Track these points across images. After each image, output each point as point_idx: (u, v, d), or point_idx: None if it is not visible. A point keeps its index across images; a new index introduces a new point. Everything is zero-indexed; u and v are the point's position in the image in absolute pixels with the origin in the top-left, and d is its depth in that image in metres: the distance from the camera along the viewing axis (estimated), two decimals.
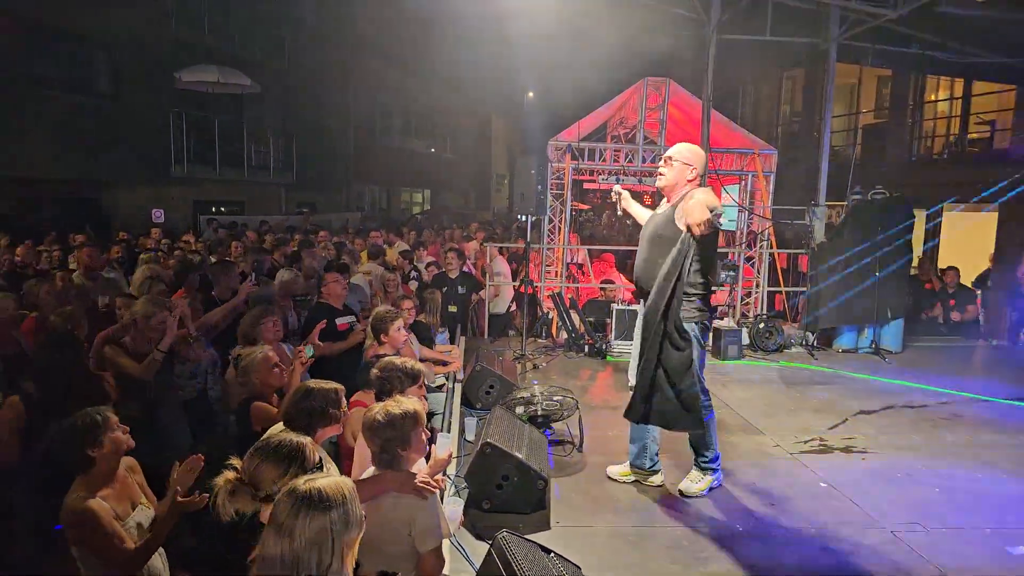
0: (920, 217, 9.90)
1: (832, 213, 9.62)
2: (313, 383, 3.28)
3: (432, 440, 3.17)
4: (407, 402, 2.88)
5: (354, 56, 23.60)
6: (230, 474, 2.48)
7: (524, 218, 12.85)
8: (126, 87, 15.33)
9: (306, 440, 2.62)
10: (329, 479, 1.99)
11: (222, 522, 2.43)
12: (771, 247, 9.91)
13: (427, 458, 3.09)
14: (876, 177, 10.08)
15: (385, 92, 26.33)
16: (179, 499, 2.79)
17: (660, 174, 4.42)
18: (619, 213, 4.93)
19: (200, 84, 16.98)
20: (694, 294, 4.30)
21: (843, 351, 8.65)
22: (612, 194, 4.81)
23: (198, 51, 17.09)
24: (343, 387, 3.36)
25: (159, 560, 3.02)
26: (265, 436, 2.63)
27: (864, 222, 8.35)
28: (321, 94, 21.98)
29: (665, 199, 4.45)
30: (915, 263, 9.34)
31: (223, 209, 18.58)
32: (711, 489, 4.56)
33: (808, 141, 14.88)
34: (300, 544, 1.84)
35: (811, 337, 8.71)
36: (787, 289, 10.11)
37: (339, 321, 5.83)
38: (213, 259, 8.62)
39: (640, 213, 4.82)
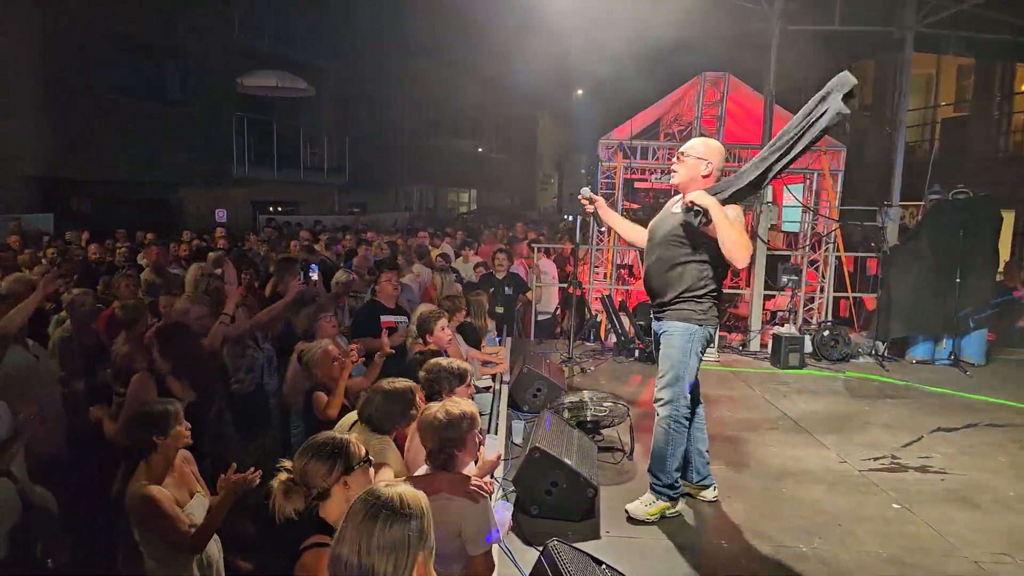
0: (1008, 218, 9.26)
1: (906, 214, 9.05)
2: (388, 384, 3.37)
3: (480, 443, 3.16)
4: (464, 403, 2.88)
5: (405, 58, 23.96)
6: (283, 476, 2.54)
7: (570, 218, 12.67)
8: (193, 93, 16.02)
9: (350, 436, 2.64)
10: (410, 490, 1.93)
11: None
12: (837, 250, 9.41)
13: (475, 460, 3.09)
14: (956, 175, 9.47)
15: (434, 92, 26.60)
16: (233, 477, 2.95)
17: (673, 171, 4.22)
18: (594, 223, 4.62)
19: (260, 89, 17.58)
20: (703, 295, 4.02)
21: (917, 362, 8.14)
22: (580, 198, 4.49)
23: (259, 57, 17.74)
24: (417, 385, 3.49)
25: (215, 547, 3.18)
26: (313, 436, 2.66)
27: (944, 223, 7.83)
28: (373, 96, 22.43)
29: (681, 197, 4.16)
30: (1001, 268, 8.69)
31: (280, 209, 19.07)
32: (663, 517, 4.13)
33: (879, 137, 14.12)
34: (377, 549, 1.79)
35: (881, 346, 8.22)
36: (854, 295, 9.59)
37: (384, 319, 5.77)
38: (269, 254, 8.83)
39: (620, 224, 4.62)
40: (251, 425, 4.85)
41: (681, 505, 4.25)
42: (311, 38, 19.50)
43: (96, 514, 3.80)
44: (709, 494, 4.38)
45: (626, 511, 4.13)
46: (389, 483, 1.96)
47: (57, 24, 12.48)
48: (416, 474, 2.91)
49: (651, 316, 4.30)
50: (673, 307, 4.07)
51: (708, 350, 7.51)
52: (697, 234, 3.94)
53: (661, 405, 4.10)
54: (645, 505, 4.13)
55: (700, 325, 4.01)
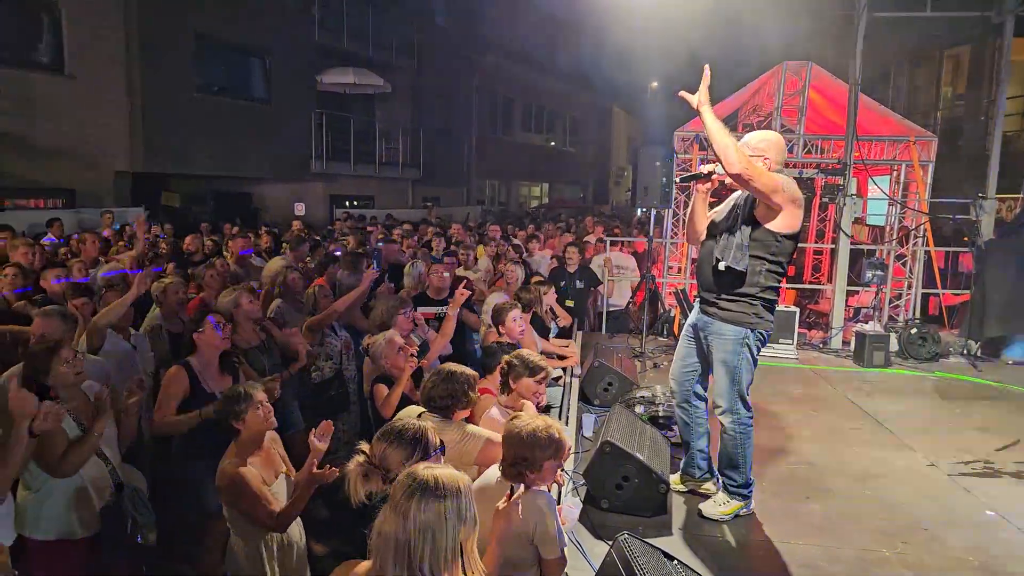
0: None
1: (1002, 207, 8.52)
2: (452, 366, 3.44)
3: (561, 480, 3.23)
4: (557, 428, 2.75)
5: (478, 53, 24.12)
6: (360, 458, 2.58)
7: (643, 211, 12.48)
8: (276, 91, 16.58)
9: (428, 425, 2.69)
10: (448, 470, 2.01)
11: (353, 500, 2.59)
12: (927, 244, 8.96)
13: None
14: None
15: (506, 87, 26.74)
16: (314, 471, 2.99)
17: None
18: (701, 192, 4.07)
19: (338, 85, 18.07)
20: (758, 296, 3.82)
21: (1013, 363, 7.68)
22: (705, 169, 3.95)
23: (337, 55, 18.21)
24: (477, 374, 3.56)
25: (296, 529, 3.28)
26: (392, 421, 2.73)
27: None
28: (447, 91, 22.74)
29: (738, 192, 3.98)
30: None
31: (355, 203, 19.55)
32: (736, 516, 4.01)
33: (973, 127, 13.33)
34: (414, 526, 1.86)
35: (974, 346, 7.79)
36: (945, 291, 9.12)
37: (422, 310, 5.83)
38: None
39: (702, 218, 4.14)
40: (331, 410, 4.98)
41: (760, 501, 4.16)
42: (386, 35, 19.87)
43: (183, 494, 4.00)
44: (711, 487, 4.26)
45: (699, 510, 4.05)
46: (428, 466, 2.03)
47: (149, 24, 13.08)
48: (486, 480, 2.90)
49: (699, 308, 4.11)
50: (724, 306, 3.89)
51: (786, 347, 7.33)
52: (765, 230, 3.75)
53: (720, 413, 3.99)
54: (719, 505, 4.04)
55: (752, 329, 3.83)
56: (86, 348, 4.26)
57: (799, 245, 3.98)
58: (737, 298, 3.83)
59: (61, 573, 3.26)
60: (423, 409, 3.38)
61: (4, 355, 3.97)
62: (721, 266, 3.80)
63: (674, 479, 4.36)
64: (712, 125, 3.53)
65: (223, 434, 3.26)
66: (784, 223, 3.71)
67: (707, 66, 3.60)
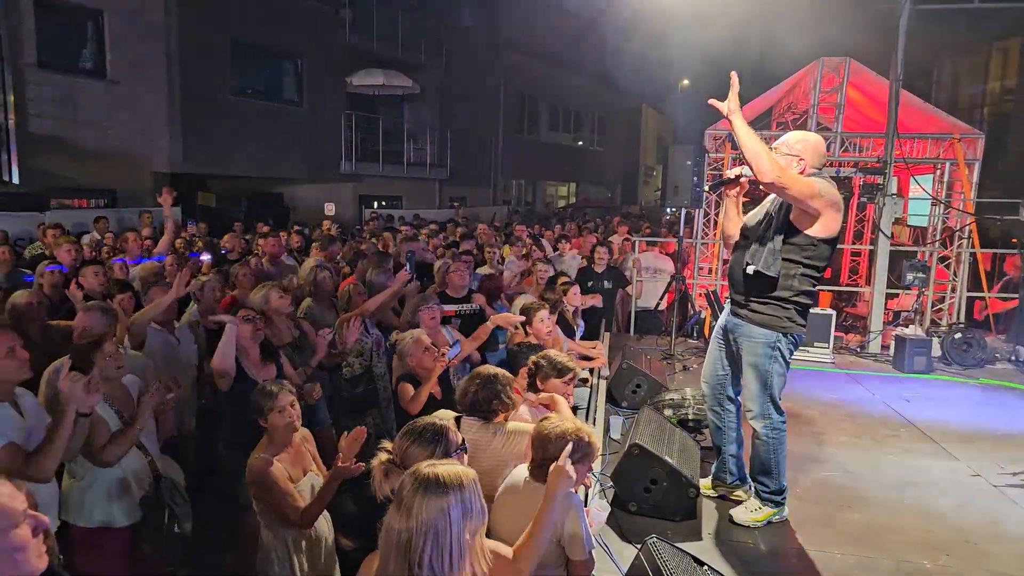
0: None
1: None
2: (491, 369, 3.48)
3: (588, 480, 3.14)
4: (587, 431, 2.77)
5: (505, 52, 24.21)
6: (383, 456, 2.61)
7: (672, 211, 12.30)
8: (308, 93, 16.87)
9: (449, 423, 2.70)
10: (451, 466, 2.01)
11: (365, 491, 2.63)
12: (972, 246, 8.65)
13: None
14: None
15: (533, 86, 26.72)
16: (339, 465, 3.05)
17: None
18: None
19: (368, 87, 18.24)
20: (791, 300, 3.69)
21: None
22: (732, 173, 3.94)
23: (367, 57, 18.47)
24: (512, 376, 3.59)
25: (325, 524, 3.39)
26: (414, 420, 2.74)
27: None
28: (474, 92, 22.84)
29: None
30: None
31: (384, 203, 19.73)
32: (769, 523, 3.89)
33: (1023, 122, 12.85)
34: (416, 524, 1.87)
35: (1022, 352, 7.49)
36: (991, 295, 8.80)
37: (445, 307, 5.78)
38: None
39: (735, 219, 4.03)
40: (359, 407, 5.06)
41: (794, 508, 4.02)
42: (414, 37, 20.05)
43: (219, 487, 4.10)
44: (743, 493, 4.15)
45: (730, 516, 3.94)
46: (431, 463, 2.03)
47: (188, 30, 13.45)
48: (514, 479, 2.89)
49: (730, 310, 4.01)
50: (755, 309, 3.79)
51: (822, 351, 7.13)
52: (799, 233, 3.63)
53: (752, 418, 3.89)
54: (751, 511, 3.93)
55: (784, 333, 3.72)
56: (129, 345, 4.38)
57: (836, 247, 3.83)
58: (769, 301, 3.73)
59: (103, 559, 3.41)
60: (453, 413, 3.33)
61: (52, 349, 4.06)
62: (750, 270, 3.72)
63: (705, 484, 4.26)
64: (743, 133, 3.48)
65: (254, 429, 3.37)
66: (821, 227, 3.61)
67: (734, 73, 3.57)
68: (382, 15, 18.76)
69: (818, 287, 3.77)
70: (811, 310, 3.91)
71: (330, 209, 17.01)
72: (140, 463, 3.51)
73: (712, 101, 3.65)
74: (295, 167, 16.59)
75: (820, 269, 3.70)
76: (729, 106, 3.54)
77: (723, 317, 4.07)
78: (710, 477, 4.29)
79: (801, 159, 3.66)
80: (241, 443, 3.80)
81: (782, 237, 3.66)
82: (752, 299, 3.79)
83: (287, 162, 16.24)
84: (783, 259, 3.66)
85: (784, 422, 3.88)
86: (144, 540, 3.45)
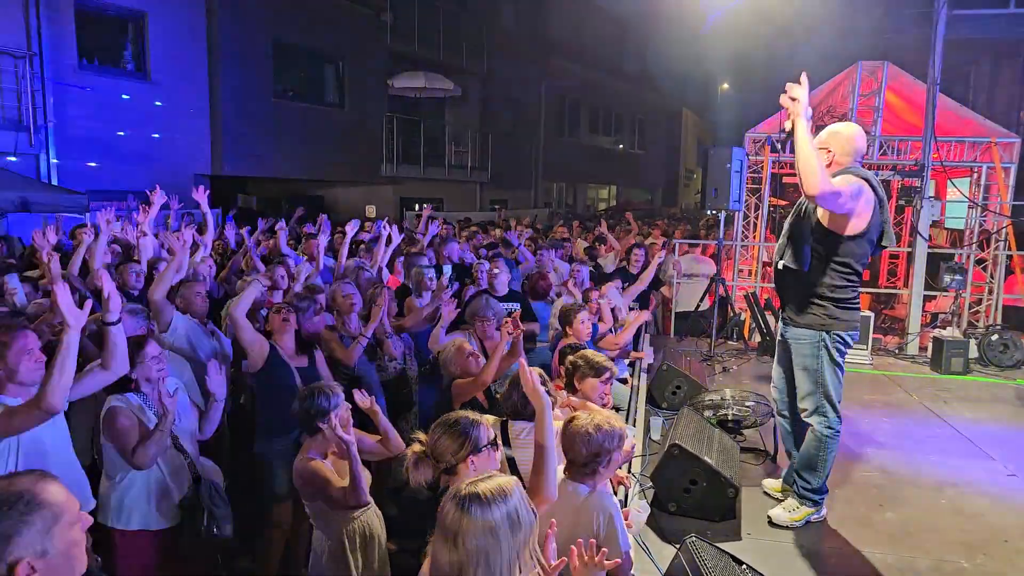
0: None
1: None
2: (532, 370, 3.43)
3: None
4: (614, 419, 2.83)
5: (546, 56, 24.18)
6: (416, 447, 2.66)
7: (712, 213, 12.34)
8: (349, 96, 16.93)
9: (484, 418, 2.71)
10: (492, 480, 1.93)
11: (417, 495, 2.65)
12: (1009, 248, 8.65)
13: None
14: None
15: (574, 89, 26.67)
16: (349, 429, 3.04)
17: None
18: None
19: (409, 90, 18.37)
20: (827, 297, 3.79)
21: None
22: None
23: (408, 60, 18.49)
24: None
25: (377, 521, 3.29)
26: (456, 411, 2.75)
27: None
28: (515, 94, 22.84)
29: None
30: None
31: (425, 206, 19.81)
32: (807, 523, 4.00)
33: None
34: (464, 553, 1.79)
35: None
36: None
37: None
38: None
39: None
40: (395, 409, 5.07)
41: (833, 508, 4.15)
42: (456, 40, 20.08)
43: (256, 473, 4.13)
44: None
45: (768, 517, 4.05)
46: (471, 481, 1.94)
47: (229, 33, 13.52)
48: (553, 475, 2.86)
49: (781, 317, 4.15)
50: (798, 311, 3.92)
51: (860, 353, 7.18)
52: (828, 232, 3.75)
53: (807, 416, 4.01)
54: (789, 511, 4.04)
55: (827, 331, 3.82)
56: (157, 328, 4.36)
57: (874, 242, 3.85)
58: (807, 302, 3.85)
59: (142, 562, 3.36)
60: (494, 418, 3.37)
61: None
62: (780, 265, 3.89)
63: (775, 486, 4.39)
64: (800, 140, 3.39)
65: (305, 429, 3.31)
66: (850, 224, 3.68)
67: (805, 72, 3.41)
68: (423, 18, 18.78)
69: (854, 283, 3.79)
70: (854, 306, 3.88)
71: (371, 211, 17.24)
72: (179, 464, 3.45)
73: (784, 100, 3.43)
74: (336, 169, 16.62)
75: (852, 266, 3.76)
76: (797, 109, 3.39)
77: (780, 330, 4.21)
78: (780, 479, 4.40)
79: (829, 151, 3.73)
80: (285, 428, 3.92)
81: (812, 236, 3.79)
82: (791, 303, 3.94)
83: (328, 164, 16.27)
84: (814, 257, 3.78)
85: (840, 423, 3.98)
86: (183, 543, 3.40)
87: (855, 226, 3.67)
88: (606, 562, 2.46)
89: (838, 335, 3.84)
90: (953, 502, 4.36)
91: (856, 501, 4.36)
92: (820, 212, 3.74)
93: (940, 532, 3.99)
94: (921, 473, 4.78)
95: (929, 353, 7.70)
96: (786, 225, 4.00)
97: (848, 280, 3.78)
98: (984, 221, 8.99)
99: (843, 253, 3.74)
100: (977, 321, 8.68)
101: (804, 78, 3.41)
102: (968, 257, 8.71)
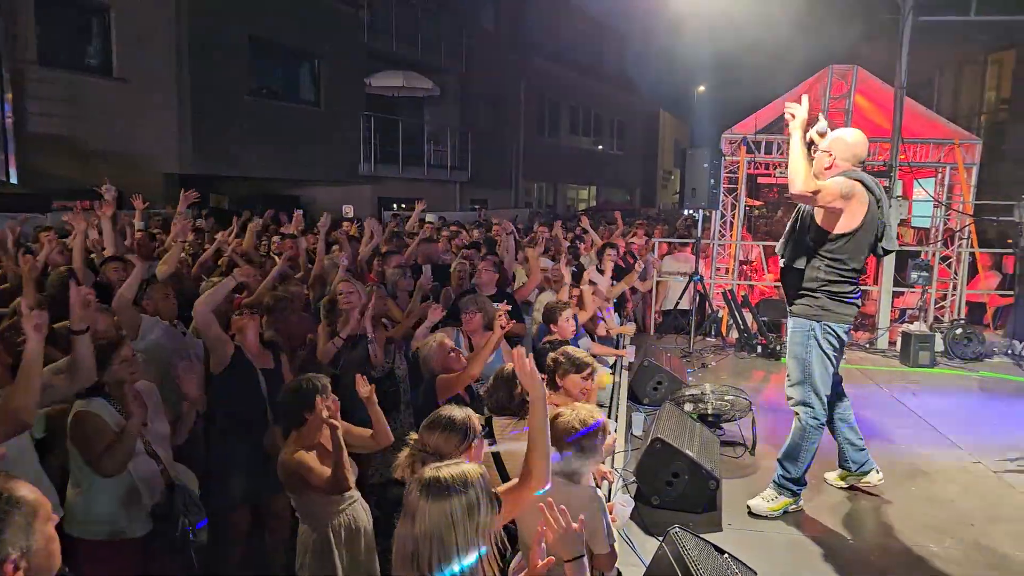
0: None
1: None
2: (510, 367, 3.44)
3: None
4: (597, 413, 2.85)
5: (525, 56, 24.19)
6: (412, 448, 2.66)
7: (689, 212, 12.53)
8: (325, 94, 16.62)
9: (471, 414, 2.72)
10: (456, 467, 2.01)
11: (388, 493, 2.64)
12: (971, 246, 8.98)
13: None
14: None
15: (553, 90, 26.76)
16: (331, 418, 2.98)
17: None
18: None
19: (387, 88, 18.15)
20: (820, 290, 4.05)
21: None
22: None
23: (386, 59, 18.25)
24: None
25: (364, 514, 3.29)
26: (444, 408, 2.76)
27: None
28: (494, 95, 22.78)
29: None
30: None
31: (403, 205, 19.73)
32: (785, 512, 4.18)
33: (1018, 130, 13.19)
34: (420, 531, 1.89)
35: (1018, 345, 7.85)
36: (988, 291, 9.13)
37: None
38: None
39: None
40: (384, 408, 5.06)
41: (809, 498, 4.32)
42: (435, 39, 19.92)
43: (212, 478, 3.93)
44: (873, 478, 4.42)
45: (748, 507, 4.20)
46: (435, 466, 2.02)
47: (199, 27, 13.05)
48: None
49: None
50: (794, 303, 4.18)
51: None
52: (820, 230, 4.00)
53: (793, 405, 4.21)
54: (767, 501, 4.18)
55: (818, 321, 4.04)
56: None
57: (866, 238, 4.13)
58: (803, 294, 4.12)
59: (112, 574, 3.18)
60: (479, 416, 3.32)
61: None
62: (782, 263, 4.21)
63: (834, 476, 4.55)
64: (793, 148, 3.85)
65: (289, 421, 3.29)
66: (840, 223, 3.95)
67: (806, 96, 4.04)
68: (401, 17, 18.57)
69: (848, 278, 4.05)
70: (848, 300, 4.11)
71: (348, 211, 17.10)
72: (151, 470, 3.29)
73: (786, 116, 4.01)
74: (312, 169, 16.30)
75: (846, 261, 4.00)
76: (795, 124, 3.89)
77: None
78: (837, 470, 4.57)
79: (831, 154, 4.05)
80: (230, 432, 3.86)
81: (808, 234, 4.07)
82: (791, 295, 4.22)
83: (304, 164, 15.95)
84: (807, 253, 4.06)
85: (825, 415, 4.19)
86: (156, 552, 3.24)
87: (846, 224, 3.94)
88: (599, 551, 2.58)
89: (829, 326, 4.06)
90: (923, 490, 4.56)
91: (831, 490, 4.54)
92: (816, 211, 4.02)
93: (911, 518, 4.17)
94: (893, 462, 4.95)
95: (898, 347, 7.97)
96: (788, 224, 4.29)
97: (841, 275, 4.03)
98: (948, 220, 9.31)
99: (834, 250, 4.00)
100: (942, 316, 8.99)
101: (805, 99, 3.96)
102: (934, 255, 9.02)
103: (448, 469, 1.98)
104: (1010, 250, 8.70)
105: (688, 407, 5.30)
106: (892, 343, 8.36)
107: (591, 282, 6.16)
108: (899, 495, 4.48)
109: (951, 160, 8.94)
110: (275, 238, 8.83)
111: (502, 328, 4.06)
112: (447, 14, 20.46)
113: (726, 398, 5.42)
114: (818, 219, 4.01)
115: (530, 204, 25.73)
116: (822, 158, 4.05)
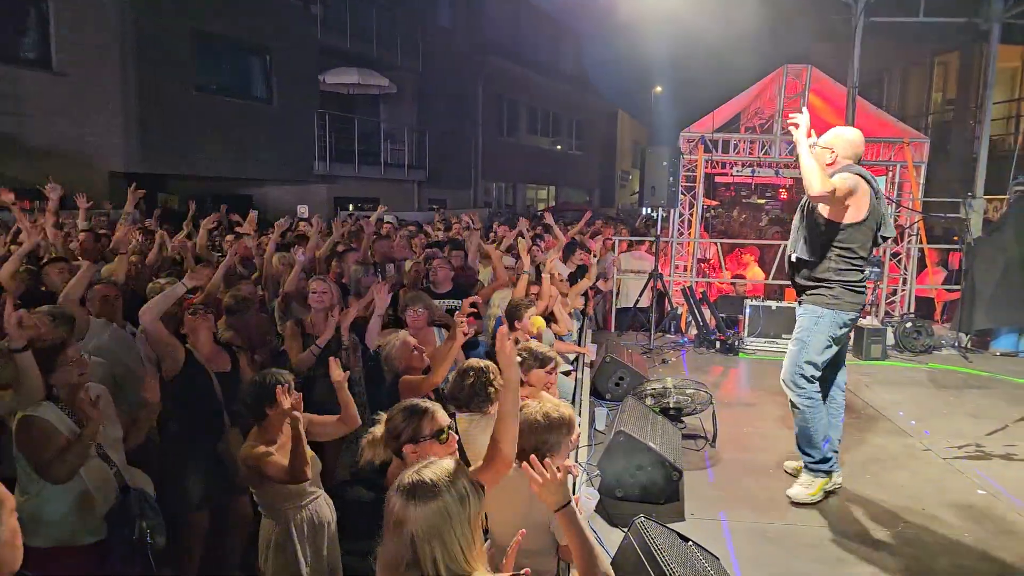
0: None
1: (989, 207, 8.83)
2: (471, 362, 3.50)
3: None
4: (564, 407, 2.84)
5: (483, 55, 24.13)
6: (376, 430, 2.77)
7: (648, 211, 12.67)
8: (278, 90, 16.25)
9: (435, 406, 2.75)
10: (433, 466, 1.97)
11: (360, 497, 2.80)
12: (920, 242, 9.27)
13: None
14: None
15: (512, 89, 26.76)
16: (291, 411, 2.96)
17: None
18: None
19: (342, 86, 17.89)
20: (835, 280, 4.20)
21: (1001, 354, 8.01)
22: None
23: (340, 55, 17.96)
24: (495, 365, 3.39)
25: (327, 509, 3.28)
26: (411, 399, 2.81)
27: None
28: (452, 93, 22.58)
29: None
30: None
31: (360, 205, 19.50)
32: (826, 494, 4.33)
33: (963, 130, 13.70)
34: (416, 536, 1.82)
35: (964, 338, 8.13)
36: (935, 286, 9.44)
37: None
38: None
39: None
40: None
41: (767, 488, 4.41)
42: (390, 36, 19.71)
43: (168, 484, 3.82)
44: (836, 478, 4.48)
45: (788, 497, 4.30)
46: (412, 470, 1.96)
47: (145, 21, 12.61)
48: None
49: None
50: (808, 294, 4.32)
51: (788, 342, 7.57)
52: (830, 222, 4.14)
53: (785, 387, 4.38)
54: (805, 487, 4.31)
55: (829, 308, 4.21)
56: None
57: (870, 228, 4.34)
58: (817, 284, 4.26)
59: None
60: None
61: None
62: (793, 257, 4.33)
63: (793, 465, 4.64)
64: (802, 153, 4.02)
65: (251, 416, 3.27)
66: (848, 215, 4.13)
67: (805, 107, 4.29)
68: (356, 12, 18.30)
69: (859, 267, 4.23)
70: (860, 289, 4.32)
71: (303, 211, 16.84)
72: (104, 474, 3.19)
73: (790, 125, 4.16)
74: (265, 167, 15.90)
75: (855, 250, 4.18)
76: (798, 135, 4.06)
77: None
78: (799, 460, 4.55)
79: (832, 151, 4.21)
80: (185, 437, 3.85)
81: (817, 227, 4.20)
82: (804, 288, 4.34)
83: (256, 162, 15.56)
84: (821, 246, 4.20)
85: (817, 391, 4.32)
86: (112, 557, 3.15)
87: (853, 215, 4.13)
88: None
89: (840, 314, 4.24)
90: (876, 476, 4.70)
91: (789, 480, 4.61)
92: (820, 206, 4.16)
93: (865, 504, 4.30)
94: (847, 451, 5.06)
95: (851, 341, 8.16)
96: (795, 221, 4.42)
97: (852, 264, 4.20)
98: (898, 217, 9.59)
99: (845, 240, 4.16)
100: (893, 311, 9.26)
101: (805, 110, 4.16)
102: (884, 251, 9.28)
103: (428, 470, 1.94)
104: (956, 246, 9.00)
105: (650, 401, 5.35)
106: None
107: (551, 274, 6.14)
108: (854, 482, 4.60)
109: (901, 158, 9.23)
110: (228, 237, 8.64)
111: (464, 335, 4.03)
112: (403, 11, 20.24)
113: (687, 392, 5.49)
114: (825, 213, 4.16)
115: (489, 204, 25.67)
116: (823, 155, 4.20)
